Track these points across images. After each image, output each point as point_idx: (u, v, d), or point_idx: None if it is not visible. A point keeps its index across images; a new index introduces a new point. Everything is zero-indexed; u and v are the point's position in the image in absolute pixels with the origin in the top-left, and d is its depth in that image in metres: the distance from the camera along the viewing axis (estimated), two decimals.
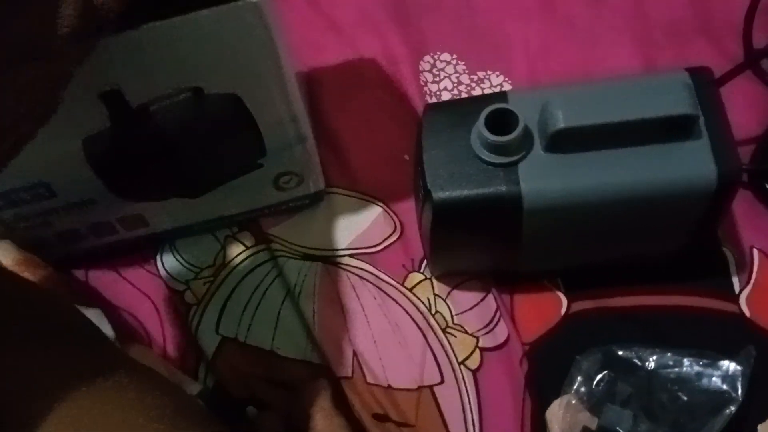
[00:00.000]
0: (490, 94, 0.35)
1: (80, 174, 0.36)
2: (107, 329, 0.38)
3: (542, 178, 0.33)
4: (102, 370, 0.26)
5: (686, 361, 0.36)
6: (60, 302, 0.31)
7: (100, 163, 0.36)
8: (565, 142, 0.33)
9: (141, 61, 0.32)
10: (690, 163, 0.33)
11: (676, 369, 0.36)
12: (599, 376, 0.37)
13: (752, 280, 0.42)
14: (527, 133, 0.33)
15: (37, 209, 0.38)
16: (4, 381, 0.24)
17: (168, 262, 0.45)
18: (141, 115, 0.34)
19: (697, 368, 0.36)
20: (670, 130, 0.32)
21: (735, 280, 0.42)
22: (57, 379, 0.25)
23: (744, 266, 0.43)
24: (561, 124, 0.31)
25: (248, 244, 0.46)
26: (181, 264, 0.45)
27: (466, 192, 0.34)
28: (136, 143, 0.36)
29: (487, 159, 0.34)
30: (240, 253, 0.45)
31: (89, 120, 0.34)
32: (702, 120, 0.33)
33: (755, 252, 0.43)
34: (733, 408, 0.35)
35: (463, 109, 0.35)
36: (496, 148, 0.33)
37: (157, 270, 0.45)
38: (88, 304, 0.40)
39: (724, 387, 0.35)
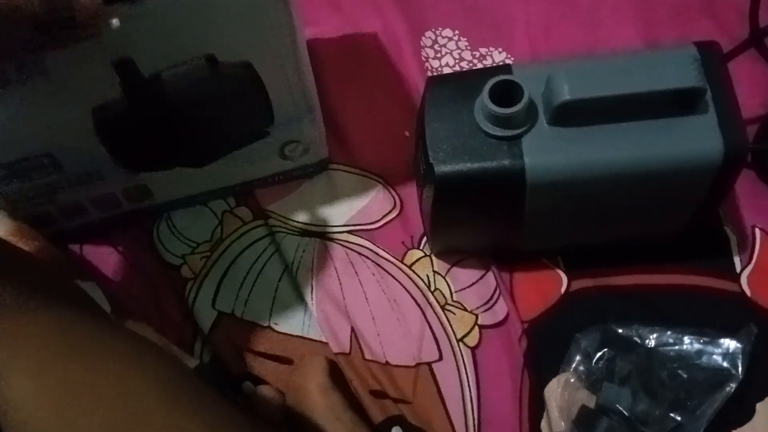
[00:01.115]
0: (494, 66, 0.35)
1: (87, 144, 0.36)
2: (103, 303, 0.38)
3: (546, 151, 0.33)
4: (98, 339, 0.25)
5: (686, 339, 0.36)
6: (54, 272, 0.31)
7: (108, 133, 0.36)
8: (570, 115, 0.32)
9: (156, 29, 0.31)
10: (696, 138, 0.32)
11: (676, 347, 0.36)
12: (598, 354, 0.37)
13: (754, 260, 0.42)
14: (532, 106, 0.33)
15: (42, 183, 0.38)
16: None
17: (165, 237, 0.45)
18: (153, 84, 0.34)
19: (697, 346, 0.36)
20: (677, 103, 0.32)
21: (736, 260, 0.42)
22: (47, 346, 0.24)
23: (745, 246, 0.42)
24: (566, 97, 0.31)
25: (246, 219, 0.45)
26: (178, 239, 0.45)
27: (468, 165, 0.33)
28: (146, 112, 0.36)
29: (490, 132, 0.33)
30: (237, 228, 0.45)
31: (99, 89, 0.33)
32: (709, 94, 0.32)
33: (757, 231, 0.43)
34: (733, 385, 0.35)
35: (467, 81, 0.35)
36: (500, 121, 0.33)
37: (154, 245, 0.44)
38: (83, 278, 0.39)
39: (725, 364, 0.35)
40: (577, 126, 0.33)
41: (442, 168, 0.34)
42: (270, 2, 0.32)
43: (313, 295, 0.43)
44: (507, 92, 0.33)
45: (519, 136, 0.33)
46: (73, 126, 0.35)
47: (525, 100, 0.32)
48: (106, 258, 0.44)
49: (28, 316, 0.24)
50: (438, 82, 0.36)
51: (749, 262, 0.42)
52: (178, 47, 0.33)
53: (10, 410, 0.23)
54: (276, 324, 0.42)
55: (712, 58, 0.33)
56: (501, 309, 0.42)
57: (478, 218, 0.38)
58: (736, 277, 0.42)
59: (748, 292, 0.41)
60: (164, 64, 0.33)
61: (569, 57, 0.37)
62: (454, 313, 0.42)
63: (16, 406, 0.23)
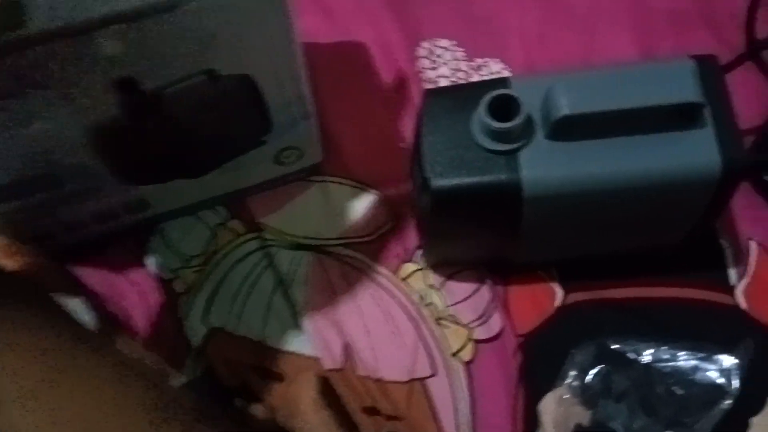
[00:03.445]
0: (492, 79, 0.34)
1: (88, 162, 0.36)
2: (91, 319, 0.37)
3: (544, 166, 0.33)
4: (79, 365, 0.25)
5: (682, 355, 0.36)
6: (36, 293, 0.30)
7: (108, 151, 0.36)
8: (568, 129, 0.32)
9: (157, 48, 0.31)
10: (694, 152, 0.32)
11: (672, 363, 0.36)
12: (594, 370, 0.37)
13: (749, 273, 0.42)
14: (529, 120, 0.32)
15: (42, 200, 0.37)
16: None
17: (157, 250, 0.44)
18: (154, 101, 0.33)
19: (693, 362, 0.36)
20: (675, 118, 0.32)
21: (731, 272, 0.42)
22: (26, 374, 0.24)
23: (741, 258, 0.42)
24: (564, 111, 0.31)
25: (239, 232, 0.45)
26: (171, 252, 0.44)
27: (465, 179, 0.33)
28: (147, 128, 0.36)
29: (487, 146, 0.33)
30: (230, 241, 0.44)
31: (98, 108, 0.33)
32: (707, 108, 0.32)
33: (752, 244, 0.43)
34: (729, 401, 0.35)
35: (464, 94, 0.34)
36: (497, 135, 0.32)
37: (146, 258, 0.44)
38: (72, 293, 0.38)
39: (721, 381, 0.35)
40: (574, 140, 0.33)
41: (438, 182, 0.33)
42: (270, 16, 0.32)
43: (306, 310, 0.42)
44: (504, 106, 0.33)
45: (516, 150, 0.33)
46: (73, 144, 0.34)
47: (522, 114, 0.31)
48: (99, 271, 0.43)
49: (4, 343, 0.24)
50: (435, 94, 0.35)
51: (744, 275, 0.42)
52: (178, 64, 0.32)
53: None
54: (268, 338, 0.42)
55: (710, 72, 0.33)
56: (496, 323, 0.42)
57: (474, 231, 0.38)
58: (731, 290, 0.41)
59: (743, 305, 0.41)
60: (166, 81, 0.33)
61: (567, 69, 0.37)
62: (449, 327, 0.42)
63: None
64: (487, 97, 0.32)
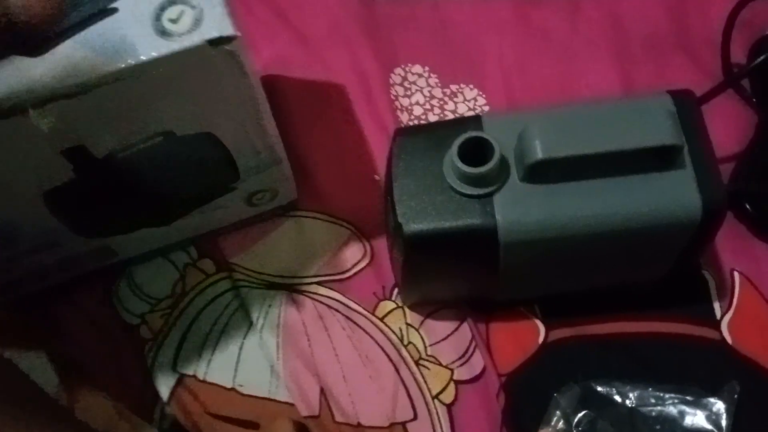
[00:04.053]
0: (463, 117, 0.33)
1: (44, 222, 0.34)
2: (51, 376, 0.35)
3: (519, 209, 0.31)
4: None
5: (668, 399, 0.35)
6: None
7: (64, 214, 0.34)
8: (543, 172, 0.31)
9: (107, 114, 0.29)
10: (673, 194, 0.31)
11: (658, 407, 0.35)
12: (579, 416, 0.36)
13: (733, 306, 0.41)
14: (503, 163, 0.31)
15: None
16: None
17: (123, 295, 0.42)
18: (108, 165, 0.32)
19: (680, 407, 0.34)
20: (653, 159, 0.31)
21: (716, 306, 0.41)
22: None
23: (725, 290, 0.41)
24: (539, 155, 0.30)
25: (209, 272, 0.43)
26: (137, 296, 0.42)
27: (439, 224, 0.32)
28: (102, 190, 0.34)
29: (461, 190, 0.32)
30: (200, 282, 0.43)
31: (50, 174, 0.31)
32: (686, 149, 0.31)
33: (736, 275, 0.42)
34: None
35: (436, 134, 0.33)
36: (470, 180, 0.31)
37: (113, 303, 0.42)
38: (32, 347, 0.37)
39: (708, 426, 0.34)
40: (550, 182, 0.31)
41: (411, 227, 0.32)
42: (229, 79, 0.30)
43: (280, 353, 0.41)
44: (478, 147, 0.31)
45: (491, 194, 0.32)
46: (29, 207, 0.33)
47: (495, 158, 0.30)
48: (63, 318, 0.41)
49: None
50: (406, 134, 0.34)
51: (729, 308, 0.41)
52: (132, 128, 0.31)
53: None
54: (241, 386, 0.40)
55: (688, 109, 0.32)
56: (477, 362, 0.40)
57: (451, 273, 0.37)
58: (716, 324, 0.40)
59: (729, 339, 0.40)
60: (119, 145, 0.31)
61: (542, 105, 0.35)
62: (429, 369, 0.40)
63: None
64: (459, 140, 0.31)
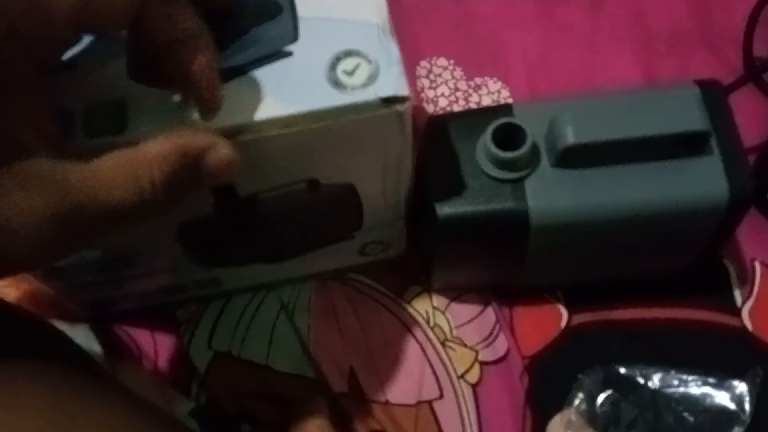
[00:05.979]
0: (495, 106, 0.35)
1: (169, 249, 0.34)
2: (95, 346, 0.37)
3: (550, 194, 0.33)
4: (86, 410, 0.24)
5: (691, 381, 0.36)
6: (40, 323, 0.30)
7: (193, 245, 0.34)
8: (574, 158, 0.32)
9: (262, 160, 0.28)
10: (701, 181, 0.32)
11: (681, 389, 0.36)
12: (602, 396, 0.37)
13: (754, 294, 0.42)
14: (535, 148, 0.32)
15: (112, 277, 0.36)
16: None
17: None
18: (248, 204, 0.31)
19: (703, 388, 0.35)
20: (682, 146, 0.32)
21: (737, 294, 0.42)
22: (32, 418, 0.23)
23: (745, 279, 0.42)
24: (571, 141, 0.31)
25: None
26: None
27: (471, 208, 0.33)
28: (236, 227, 0.33)
29: (493, 174, 0.33)
30: None
31: (191, 207, 0.31)
32: (714, 136, 0.32)
33: (757, 265, 0.43)
34: (740, 429, 0.35)
35: (468, 121, 0.34)
36: (503, 164, 0.32)
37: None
38: (76, 321, 0.38)
39: (732, 407, 0.35)
40: (580, 168, 0.33)
41: (444, 210, 0.33)
42: (391, 137, 0.29)
43: (310, 334, 0.42)
44: (509, 133, 0.33)
45: (522, 179, 0.33)
46: (160, 234, 0.32)
47: (528, 144, 0.31)
48: None
49: (8, 388, 0.23)
50: (438, 121, 0.35)
51: (750, 296, 0.42)
52: (281, 173, 0.30)
53: None
54: (273, 363, 0.41)
55: (715, 98, 0.33)
56: (501, 345, 0.41)
57: (479, 258, 0.38)
58: (737, 312, 0.41)
59: (749, 326, 0.41)
60: (264, 187, 0.31)
61: (570, 94, 0.36)
62: (454, 350, 0.42)
63: None
64: (493, 126, 0.32)
